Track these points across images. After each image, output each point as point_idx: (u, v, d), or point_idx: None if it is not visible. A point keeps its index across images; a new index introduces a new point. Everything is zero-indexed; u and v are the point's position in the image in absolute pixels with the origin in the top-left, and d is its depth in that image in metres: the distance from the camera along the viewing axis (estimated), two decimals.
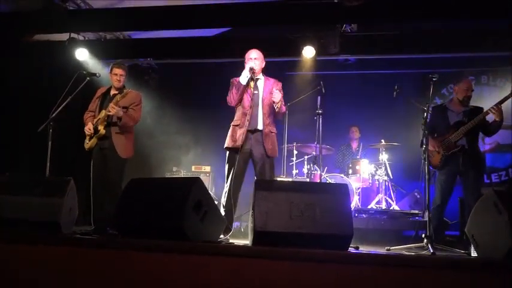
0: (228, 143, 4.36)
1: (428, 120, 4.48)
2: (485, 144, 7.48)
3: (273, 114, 4.41)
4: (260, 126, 4.32)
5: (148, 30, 6.75)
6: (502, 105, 4.56)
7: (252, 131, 4.30)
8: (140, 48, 7.09)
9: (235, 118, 4.42)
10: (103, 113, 4.71)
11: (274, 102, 4.27)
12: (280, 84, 4.50)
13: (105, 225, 4.46)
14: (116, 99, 4.69)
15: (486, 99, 7.41)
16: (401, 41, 6.41)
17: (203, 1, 5.86)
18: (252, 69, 4.30)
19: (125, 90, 4.78)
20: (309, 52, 6.30)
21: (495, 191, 2.87)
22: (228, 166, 4.33)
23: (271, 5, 5.74)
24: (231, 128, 4.42)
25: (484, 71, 7.64)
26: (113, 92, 4.89)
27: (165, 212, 2.94)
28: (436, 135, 4.84)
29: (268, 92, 4.37)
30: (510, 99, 4.55)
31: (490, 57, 6.94)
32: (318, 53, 6.32)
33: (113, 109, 4.60)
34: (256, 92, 4.36)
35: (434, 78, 4.39)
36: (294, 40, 6.36)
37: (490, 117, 4.62)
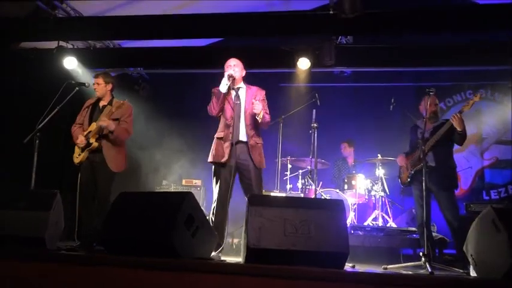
0: (212, 157, 4.33)
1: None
2: (484, 159, 7.57)
3: (257, 124, 4.38)
4: (244, 138, 4.30)
5: (140, 40, 6.79)
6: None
7: (237, 143, 4.27)
8: (130, 57, 7.11)
9: (219, 130, 4.39)
10: (94, 125, 4.71)
11: (255, 113, 4.26)
12: (263, 93, 4.47)
13: (91, 241, 4.44)
14: (108, 110, 4.70)
15: (485, 114, 7.56)
16: (398, 54, 6.49)
17: (196, 11, 5.92)
18: (230, 76, 4.28)
19: (115, 101, 4.80)
20: (303, 64, 6.36)
21: (494, 208, 2.90)
22: (215, 181, 4.31)
23: (266, 15, 5.82)
24: (214, 140, 4.39)
25: (483, 85, 7.74)
26: (102, 103, 4.90)
27: (155, 227, 2.94)
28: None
29: (250, 101, 4.34)
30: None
31: (489, 70, 7.06)
32: (313, 65, 6.38)
33: (104, 121, 4.61)
34: (238, 102, 4.36)
35: (431, 92, 4.43)
36: (289, 51, 6.41)
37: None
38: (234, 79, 4.32)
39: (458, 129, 4.45)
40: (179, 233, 2.90)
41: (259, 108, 4.24)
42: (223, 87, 4.28)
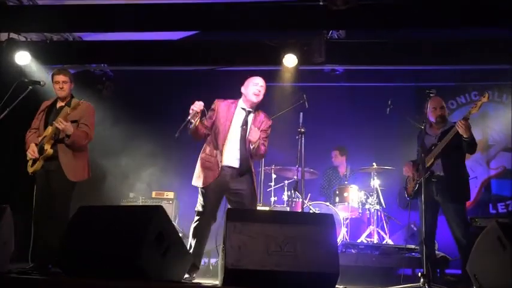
0: (197, 181, 4.36)
1: None
2: (491, 169, 7.71)
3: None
4: (237, 164, 4.35)
5: (103, 32, 6.77)
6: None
7: (232, 168, 4.34)
8: (93, 52, 7.05)
9: (208, 152, 4.40)
10: (49, 129, 4.67)
11: (250, 141, 4.32)
12: (269, 123, 4.56)
13: (47, 262, 4.41)
14: (65, 111, 4.66)
15: (491, 118, 7.72)
16: (395, 50, 6.59)
17: (168, 0, 5.94)
18: (196, 114, 4.21)
19: (73, 101, 4.77)
20: (290, 61, 6.40)
21: (499, 223, 2.99)
22: (202, 195, 4.34)
23: (248, 6, 5.84)
24: (200, 161, 4.41)
25: (489, 86, 7.86)
26: (59, 104, 4.87)
27: (120, 246, 2.95)
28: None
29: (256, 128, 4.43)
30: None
31: (496, 70, 7.19)
32: (300, 62, 6.42)
33: (61, 124, 4.56)
34: (244, 127, 4.40)
35: (431, 93, 4.52)
36: (274, 47, 6.44)
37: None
38: (198, 116, 4.24)
39: (465, 136, 4.55)
40: (148, 253, 2.91)
41: (256, 136, 4.30)
42: (190, 123, 4.24)
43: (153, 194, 7.12)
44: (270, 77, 7.32)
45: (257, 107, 4.57)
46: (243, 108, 4.46)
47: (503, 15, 5.45)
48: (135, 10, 5.92)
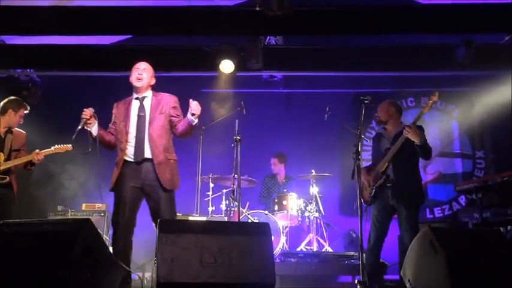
0: (112, 184, 4.29)
1: None
2: (427, 174, 8.01)
3: (168, 135, 4.37)
4: (148, 155, 4.25)
5: (29, 35, 6.57)
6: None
7: (140, 162, 4.24)
8: (17, 56, 6.86)
9: (118, 153, 4.34)
10: (1, 156, 4.82)
11: (193, 115, 4.17)
12: (174, 99, 4.45)
13: None
14: (9, 139, 4.90)
15: (427, 123, 8.03)
16: (333, 57, 6.77)
17: (99, 3, 5.84)
18: (85, 121, 4.17)
19: (15, 130, 4.99)
20: (227, 67, 6.45)
21: (431, 228, 3.11)
22: (115, 207, 4.24)
23: (183, 10, 5.85)
24: (115, 166, 4.34)
25: (425, 92, 8.22)
26: (2, 130, 5.03)
27: (45, 262, 2.86)
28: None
29: (158, 111, 4.34)
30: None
31: (432, 76, 7.52)
32: (237, 68, 6.48)
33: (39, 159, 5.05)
34: (142, 114, 4.33)
35: (366, 100, 4.64)
36: (210, 52, 6.47)
37: None
38: (88, 121, 4.19)
39: (416, 141, 4.58)
40: (74, 268, 2.84)
41: (198, 109, 4.17)
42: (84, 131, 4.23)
43: (83, 207, 6.94)
44: (207, 83, 7.37)
45: (155, 91, 4.48)
46: (136, 98, 4.39)
47: (437, 24, 5.71)
48: (64, 13, 5.79)
